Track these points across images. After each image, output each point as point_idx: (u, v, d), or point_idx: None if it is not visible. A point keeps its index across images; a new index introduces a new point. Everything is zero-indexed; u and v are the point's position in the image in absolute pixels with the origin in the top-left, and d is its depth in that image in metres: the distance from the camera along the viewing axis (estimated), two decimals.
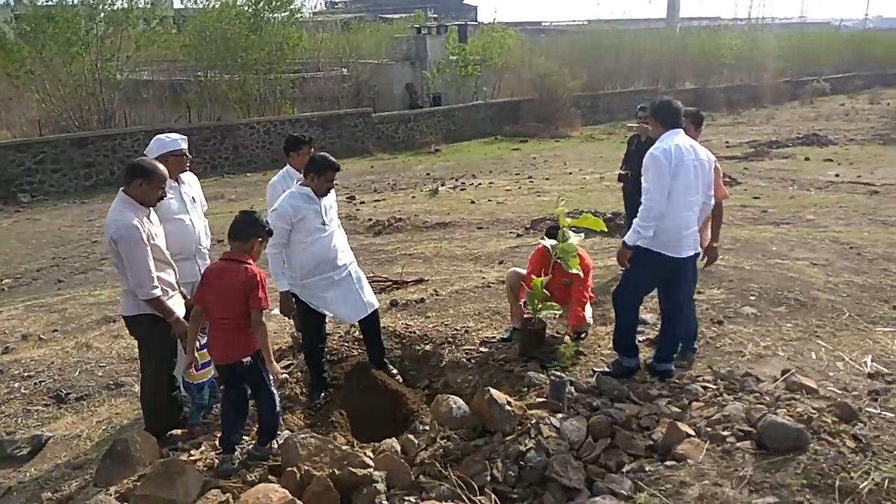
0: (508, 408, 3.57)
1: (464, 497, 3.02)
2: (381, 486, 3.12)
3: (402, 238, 11.71)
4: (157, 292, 3.95)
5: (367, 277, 8.44)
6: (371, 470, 3.13)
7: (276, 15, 23.61)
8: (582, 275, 5.08)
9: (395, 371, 5.31)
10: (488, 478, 3.20)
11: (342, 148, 23.25)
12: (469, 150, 24.90)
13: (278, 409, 3.89)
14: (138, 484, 3.02)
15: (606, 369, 4.77)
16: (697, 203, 4.52)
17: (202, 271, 4.73)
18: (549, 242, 5.09)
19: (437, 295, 7.17)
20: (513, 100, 28.79)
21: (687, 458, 3.39)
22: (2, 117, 21.56)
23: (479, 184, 17.42)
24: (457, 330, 5.86)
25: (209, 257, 4.94)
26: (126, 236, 3.87)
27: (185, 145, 4.59)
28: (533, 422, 3.56)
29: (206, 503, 2.83)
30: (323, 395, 5.00)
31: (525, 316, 5.21)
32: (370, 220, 12.99)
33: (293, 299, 4.80)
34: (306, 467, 3.07)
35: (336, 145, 23.16)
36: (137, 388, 5.02)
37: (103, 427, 4.74)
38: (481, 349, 5.33)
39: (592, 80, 32.72)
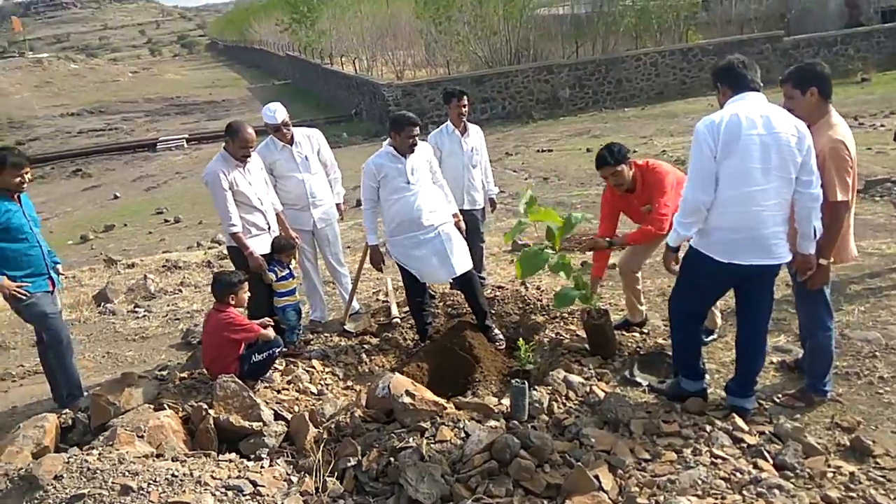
0: (407, 399, 3.34)
1: (318, 477, 3.09)
2: (269, 441, 3.38)
3: None
4: (235, 229, 4.74)
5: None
6: (258, 425, 3.40)
7: None
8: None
9: (499, 336, 5.19)
10: (351, 462, 3.16)
11: None
12: None
13: (263, 371, 4.30)
14: None
15: (661, 386, 3.91)
16: (772, 194, 3.23)
17: (320, 219, 5.42)
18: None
19: None
20: None
21: None
22: (434, 58, 25.37)
23: (882, 126, 13.94)
24: (591, 306, 5.35)
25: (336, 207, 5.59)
26: (210, 182, 4.74)
27: (275, 119, 5.13)
28: (438, 420, 3.28)
29: (135, 413, 3.54)
30: (422, 345, 5.25)
31: (586, 311, 4.50)
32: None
33: (385, 252, 5.11)
34: (217, 408, 3.50)
35: None
36: None
37: None
38: (578, 333, 4.81)
39: None
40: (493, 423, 3.38)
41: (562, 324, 5.05)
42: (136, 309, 6.95)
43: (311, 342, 5.24)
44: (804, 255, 3.40)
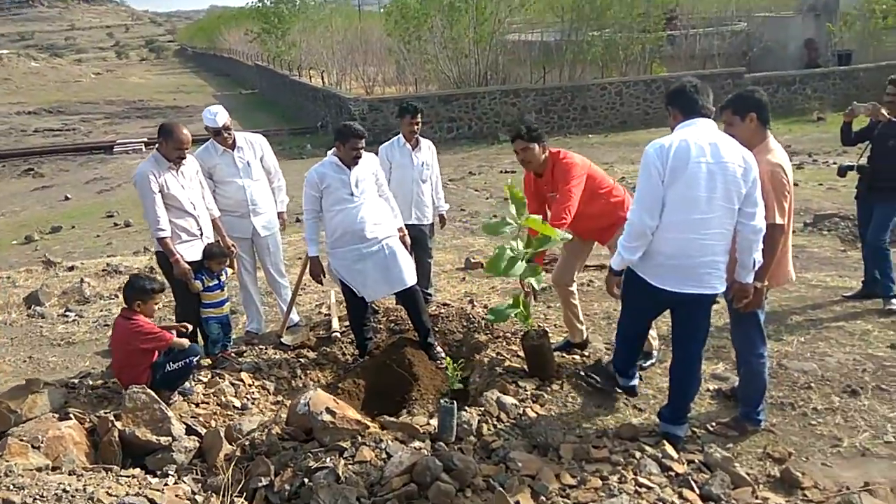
0: (326, 417, 3.19)
1: (226, 497, 2.90)
2: (178, 457, 3.18)
3: None
4: (162, 234, 4.53)
5: None
6: (166, 439, 3.21)
7: None
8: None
9: (440, 354, 5.05)
10: (262, 483, 2.98)
11: None
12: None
13: (179, 383, 4.07)
14: None
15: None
16: (715, 223, 3.20)
17: (261, 228, 5.24)
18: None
19: (589, 285, 6.43)
20: None
21: None
22: (404, 76, 25.38)
23: (834, 163, 14.27)
24: (536, 328, 5.25)
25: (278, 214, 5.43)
26: (139, 183, 4.54)
27: (216, 123, 4.97)
28: (359, 440, 3.13)
29: (36, 422, 3.31)
30: (361, 360, 5.09)
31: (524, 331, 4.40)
32: None
33: (325, 265, 4.96)
34: (125, 419, 3.29)
35: None
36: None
37: None
38: (520, 353, 4.70)
39: None
40: (417, 443, 3.23)
41: (504, 344, 4.95)
42: (67, 313, 6.64)
43: (244, 354, 5.03)
44: (741, 283, 3.38)
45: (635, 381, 3.95)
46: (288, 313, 5.38)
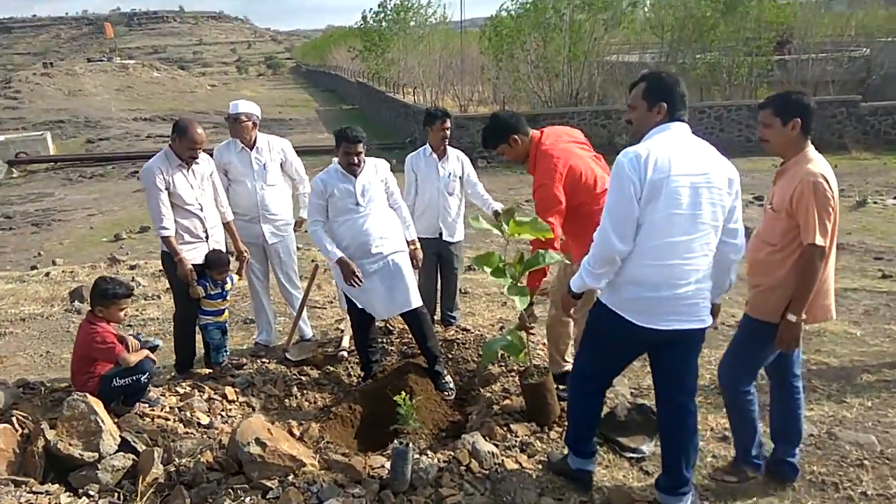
0: (255, 450, 2.81)
1: None
2: (103, 476, 2.91)
3: None
4: (166, 232, 4.37)
5: None
6: (91, 455, 2.94)
7: None
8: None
9: (449, 384, 4.64)
10: None
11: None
12: None
13: (132, 397, 3.85)
14: None
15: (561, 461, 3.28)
16: (698, 246, 2.70)
17: (269, 234, 5.00)
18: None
19: None
20: None
21: None
22: (499, 95, 25.14)
23: None
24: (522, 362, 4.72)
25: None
26: (145, 179, 4.41)
27: (242, 110, 4.81)
28: (289, 479, 2.74)
29: None
30: (363, 384, 4.75)
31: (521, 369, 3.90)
32: None
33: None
34: (59, 428, 3.05)
35: None
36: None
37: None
38: None
39: None
40: (358, 490, 2.82)
41: (514, 379, 4.45)
42: None
43: (244, 367, 4.79)
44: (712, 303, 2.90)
45: (592, 464, 3.18)
46: (294, 326, 5.12)
